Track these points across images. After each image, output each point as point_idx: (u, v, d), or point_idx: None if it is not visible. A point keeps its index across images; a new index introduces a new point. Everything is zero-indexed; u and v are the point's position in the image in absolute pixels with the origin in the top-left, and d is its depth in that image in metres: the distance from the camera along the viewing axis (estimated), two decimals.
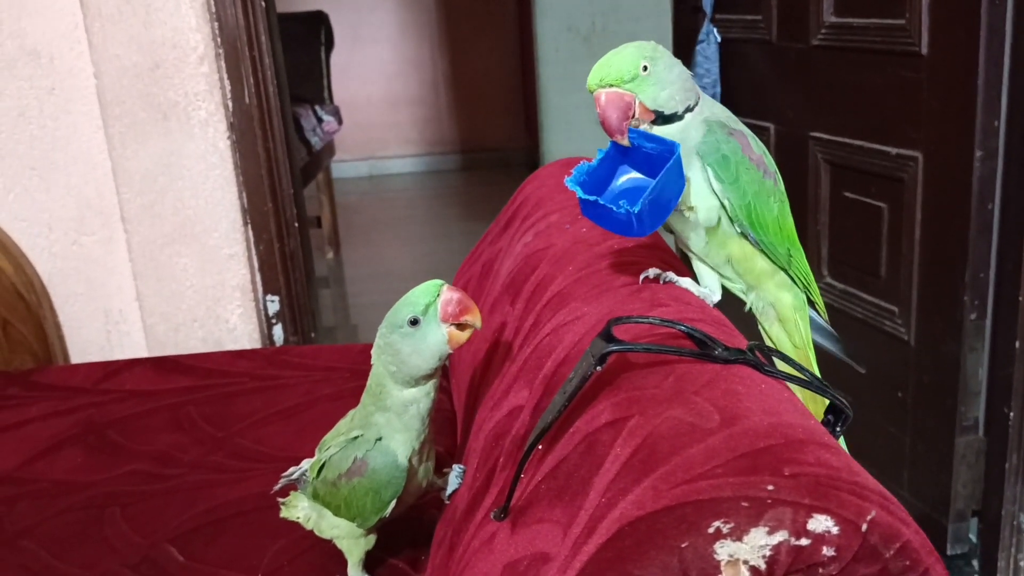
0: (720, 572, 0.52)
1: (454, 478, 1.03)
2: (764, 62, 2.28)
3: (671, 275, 0.93)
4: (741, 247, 0.91)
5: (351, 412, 0.98)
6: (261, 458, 1.24)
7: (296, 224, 1.79)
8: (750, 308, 0.97)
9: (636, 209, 0.79)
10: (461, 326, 0.88)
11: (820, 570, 0.52)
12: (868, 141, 1.92)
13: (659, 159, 0.82)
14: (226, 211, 1.68)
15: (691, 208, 0.87)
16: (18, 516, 1.16)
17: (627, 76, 0.82)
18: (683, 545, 0.53)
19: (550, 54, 4.31)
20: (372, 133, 5.51)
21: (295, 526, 1.09)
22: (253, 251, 1.72)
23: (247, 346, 1.76)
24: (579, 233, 1.13)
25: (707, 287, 0.94)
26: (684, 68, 0.87)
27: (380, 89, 5.49)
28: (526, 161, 5.25)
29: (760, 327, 0.98)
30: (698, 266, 0.96)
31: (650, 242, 1.07)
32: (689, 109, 0.86)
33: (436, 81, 5.52)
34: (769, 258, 0.92)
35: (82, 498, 1.18)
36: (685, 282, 0.94)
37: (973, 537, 1.80)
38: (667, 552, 0.53)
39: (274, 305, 1.75)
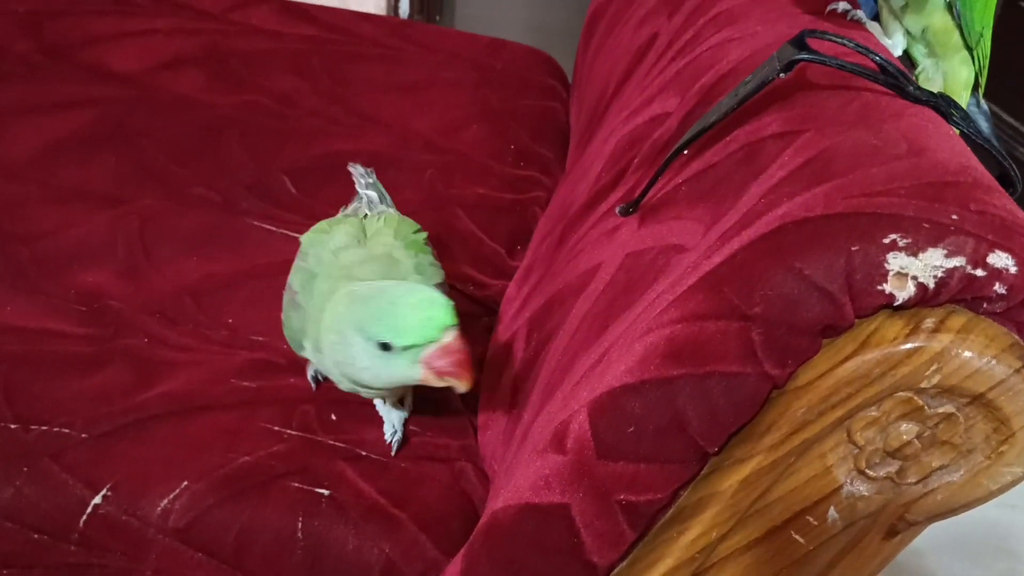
0: (886, 281, 0.51)
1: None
2: None
3: (860, 14, 0.87)
4: (943, 20, 0.84)
5: (384, 271, 0.75)
6: (378, 121, 1.23)
7: None
8: (920, 72, 0.92)
9: None
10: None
11: (984, 304, 0.51)
12: None
13: None
14: None
15: None
16: (138, 117, 1.18)
17: None
18: (854, 248, 0.51)
19: None
20: None
21: (409, 186, 1.11)
22: None
23: (373, 10, 1.71)
24: None
25: (893, 39, 0.88)
26: None
27: None
28: None
29: None
30: (887, 15, 0.89)
31: None
32: None
33: None
34: (962, 35, 0.86)
35: (201, 115, 1.20)
36: (873, 27, 0.87)
37: None
38: (835, 252, 0.52)
39: None
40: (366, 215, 0.84)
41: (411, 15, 1.73)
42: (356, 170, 0.88)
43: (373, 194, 0.86)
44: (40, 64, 1.27)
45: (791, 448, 0.55)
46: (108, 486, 0.73)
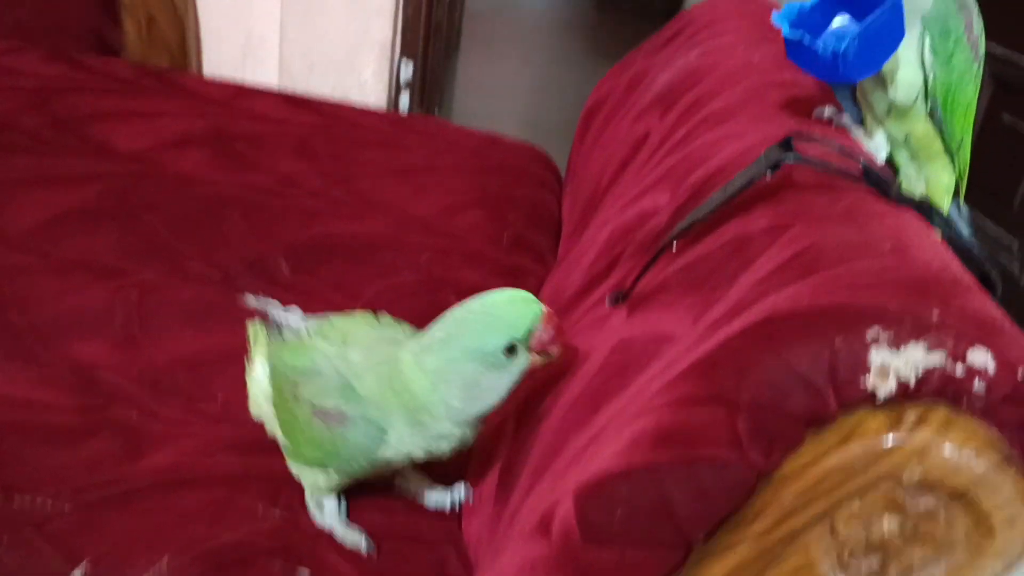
0: (868, 376, 0.52)
1: (444, 494, 0.84)
2: None
3: (846, 119, 0.90)
4: (925, 127, 0.87)
5: (393, 339, 0.76)
6: (378, 204, 1.26)
7: None
8: (902, 176, 0.95)
9: (842, 47, 0.75)
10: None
11: (965, 400, 0.52)
12: None
13: (879, 4, 0.78)
14: None
15: (892, 82, 0.83)
16: (143, 192, 1.21)
17: None
18: (837, 341, 0.53)
19: None
20: None
21: (406, 268, 1.13)
22: (401, 10, 1.70)
23: (373, 104, 1.76)
24: (751, 60, 1.09)
25: (876, 145, 0.92)
26: None
27: None
28: (666, 9, 5.03)
29: None
30: (870, 121, 0.93)
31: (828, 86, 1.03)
32: None
33: None
34: (943, 141, 0.89)
35: (205, 193, 1.22)
36: (856, 131, 0.91)
37: None
38: (820, 344, 0.53)
39: (407, 72, 1.74)
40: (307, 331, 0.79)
41: (411, 108, 1.79)
42: (259, 301, 0.82)
43: (294, 310, 0.81)
44: (48, 138, 1.30)
45: (778, 538, 0.56)
46: (88, 558, 0.72)
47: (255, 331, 0.83)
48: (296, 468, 0.78)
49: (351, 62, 1.73)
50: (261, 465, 0.83)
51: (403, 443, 0.73)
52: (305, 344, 0.76)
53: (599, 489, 0.59)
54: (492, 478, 0.79)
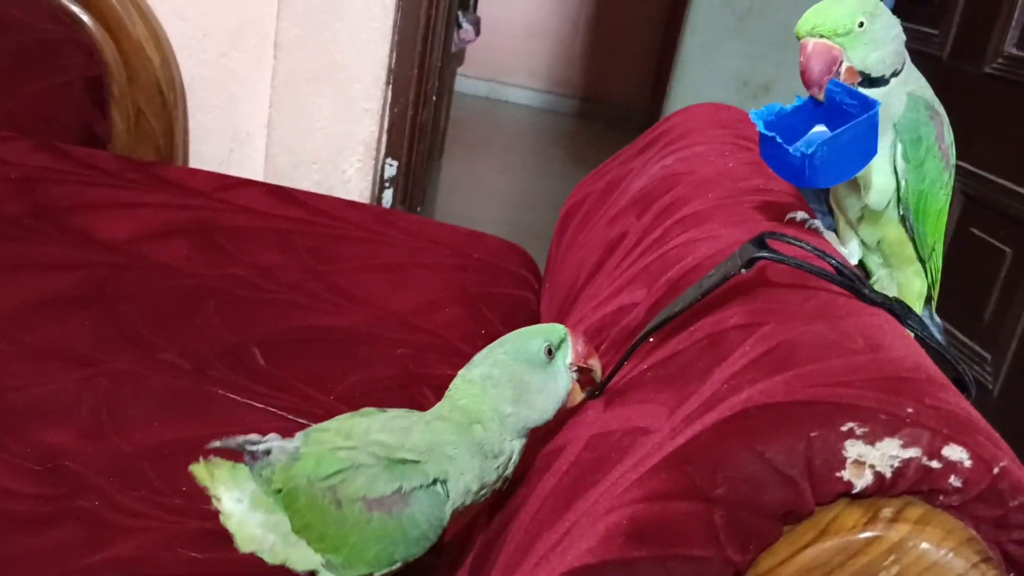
0: (844, 468, 0.52)
1: None
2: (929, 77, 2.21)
3: (818, 224, 0.92)
4: (897, 232, 0.89)
5: (400, 414, 0.75)
6: (356, 298, 1.26)
7: (434, 98, 1.80)
8: (875, 281, 0.96)
9: (810, 151, 0.77)
10: (581, 378, 0.76)
11: (941, 497, 0.52)
12: (1014, 183, 1.86)
13: (855, 115, 0.80)
14: (373, 66, 1.70)
15: (865, 188, 0.86)
16: (119, 283, 1.20)
17: (841, 29, 0.79)
18: (813, 434, 0.53)
19: (700, 23, 4.22)
20: (501, 55, 5.49)
21: (382, 363, 1.12)
22: (387, 112, 1.74)
23: (357, 200, 1.79)
24: (725, 167, 1.12)
25: (848, 248, 0.93)
26: (901, 30, 0.84)
27: (521, 13, 5.45)
28: (643, 123, 5.19)
29: None
30: (843, 226, 0.95)
31: (799, 191, 1.06)
32: (896, 73, 0.83)
33: (578, 19, 5.46)
34: (916, 247, 0.91)
35: (182, 284, 1.22)
36: (829, 235, 0.93)
37: None
38: (796, 437, 0.53)
39: (391, 170, 1.77)
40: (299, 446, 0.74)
41: (394, 205, 1.82)
42: (230, 442, 0.76)
43: (272, 436, 0.75)
44: (29, 226, 1.30)
45: None
46: None
47: (208, 471, 0.75)
48: None
49: (336, 160, 1.77)
50: (224, 560, 0.81)
51: (461, 478, 0.71)
52: (317, 451, 0.71)
53: None
54: None
